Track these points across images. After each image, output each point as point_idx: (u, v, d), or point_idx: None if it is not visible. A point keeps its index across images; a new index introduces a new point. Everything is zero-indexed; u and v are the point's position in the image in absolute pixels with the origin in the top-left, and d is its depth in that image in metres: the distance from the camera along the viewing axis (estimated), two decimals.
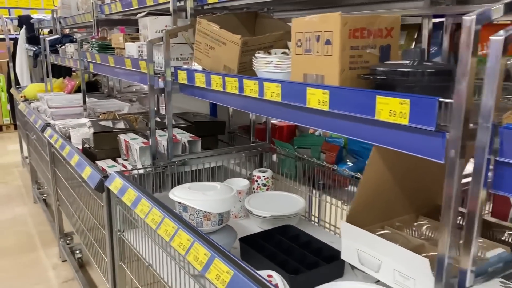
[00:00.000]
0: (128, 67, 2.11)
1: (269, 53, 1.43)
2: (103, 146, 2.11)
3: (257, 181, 2.08)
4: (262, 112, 1.33)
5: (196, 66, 1.83)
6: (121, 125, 2.32)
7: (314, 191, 1.99)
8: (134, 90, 4.61)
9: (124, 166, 2.03)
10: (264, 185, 2.07)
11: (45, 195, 4.09)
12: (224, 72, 1.59)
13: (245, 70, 1.58)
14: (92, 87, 4.63)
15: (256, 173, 2.08)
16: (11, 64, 5.12)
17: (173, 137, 2.05)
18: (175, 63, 1.92)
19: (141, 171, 1.88)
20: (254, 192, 2.05)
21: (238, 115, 2.70)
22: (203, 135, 2.32)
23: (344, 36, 1.02)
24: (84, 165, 2.00)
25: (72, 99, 3.12)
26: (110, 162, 2.08)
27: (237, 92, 1.41)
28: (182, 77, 1.76)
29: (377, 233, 1.09)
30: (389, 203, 1.13)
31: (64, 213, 2.86)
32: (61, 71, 5.40)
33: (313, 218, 1.96)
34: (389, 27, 1.09)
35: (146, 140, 2.00)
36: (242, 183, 1.97)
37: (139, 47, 2.12)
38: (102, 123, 2.28)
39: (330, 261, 1.50)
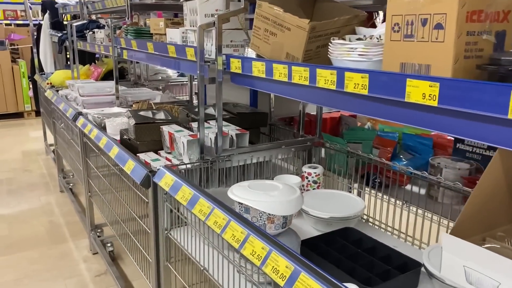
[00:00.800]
0: (171, 54, 1.98)
1: (344, 40, 1.29)
2: (144, 138, 1.99)
3: (307, 177, 1.95)
4: (340, 106, 1.19)
5: (249, 53, 1.69)
6: (161, 115, 2.20)
7: (368, 189, 1.85)
8: (160, 78, 4.49)
9: (168, 159, 1.92)
10: (315, 182, 1.94)
11: (71, 184, 4.02)
12: (286, 60, 1.46)
13: (310, 58, 1.44)
14: (119, 74, 4.52)
15: (306, 169, 1.94)
16: (35, 50, 5.03)
17: None
18: (225, 51, 1.78)
19: (189, 166, 1.75)
20: (304, 190, 1.92)
21: (279, 106, 2.56)
22: (246, 128, 2.20)
23: (461, 20, 0.87)
24: (126, 158, 1.89)
25: (103, 87, 3.01)
26: (152, 155, 1.96)
27: (307, 83, 1.27)
28: (236, 65, 1.63)
29: (483, 247, 0.95)
30: (494, 212, 0.99)
31: (95, 205, 2.77)
32: (84, 58, 5.30)
33: (370, 219, 1.82)
34: (506, 10, 0.94)
35: (192, 133, 1.88)
36: (293, 180, 1.84)
37: (183, 32, 1.99)
38: (141, 113, 2.16)
39: (403, 270, 1.37)
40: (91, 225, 2.97)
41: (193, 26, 1.88)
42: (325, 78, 1.20)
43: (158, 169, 1.66)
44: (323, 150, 2.12)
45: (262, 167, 1.97)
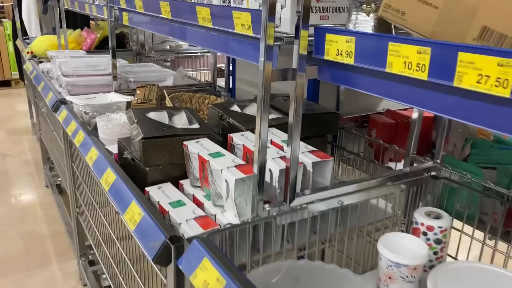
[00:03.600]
0: (204, 23, 1.17)
1: None
2: (157, 160, 1.22)
3: (425, 234, 1.19)
4: None
5: (357, 26, 0.90)
6: (181, 119, 1.41)
7: None
8: (169, 47, 3.65)
9: (196, 199, 1.15)
10: (438, 241, 1.18)
11: (59, 179, 3.26)
12: (480, 43, 0.67)
13: None
14: (117, 42, 3.68)
15: (421, 218, 1.18)
16: (16, 10, 4.16)
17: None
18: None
19: (240, 225, 0.99)
20: None
21: (348, 99, 1.78)
22: (308, 136, 1.43)
23: None
24: (127, 198, 1.12)
25: (96, 63, 2.20)
26: (171, 190, 1.19)
27: None
28: (340, 49, 0.84)
29: None
30: None
31: (85, 226, 2.02)
32: (76, 20, 4.44)
33: None
34: None
35: (241, 162, 1.10)
36: (416, 249, 1.08)
37: None
38: (151, 115, 1.37)
39: None
40: (80, 248, 2.24)
41: None
42: None
43: (189, 239, 0.89)
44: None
45: (347, 211, 1.19)
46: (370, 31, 0.88)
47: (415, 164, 1.27)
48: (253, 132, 1.30)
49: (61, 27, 3.09)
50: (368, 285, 1.02)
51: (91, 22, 4.65)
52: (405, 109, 1.85)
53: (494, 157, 1.38)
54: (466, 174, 1.27)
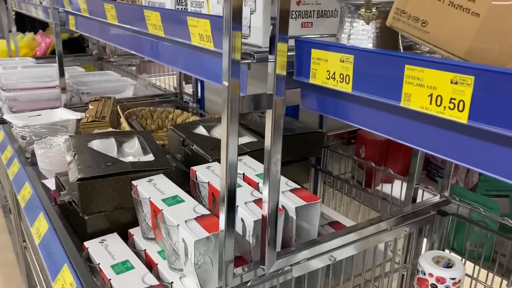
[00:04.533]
0: (155, 31, 0.92)
1: None
2: (99, 206, 0.96)
3: (434, 286, 0.97)
4: None
5: (352, 38, 0.67)
6: (133, 146, 1.16)
7: None
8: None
9: (148, 258, 0.90)
10: None
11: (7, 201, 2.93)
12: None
13: None
14: (75, 46, 3.37)
15: (428, 267, 0.96)
16: None
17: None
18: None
19: None
20: None
21: None
22: (288, 161, 1.22)
23: None
24: (61, 258, 0.87)
25: (42, 73, 1.91)
26: (116, 246, 0.93)
27: None
28: (332, 70, 0.60)
29: None
30: None
31: (32, 266, 1.74)
32: (34, 22, 4.10)
33: None
34: None
35: (206, 213, 0.85)
36: None
37: None
38: (94, 144, 1.11)
39: None
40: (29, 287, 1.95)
41: None
42: None
43: None
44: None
45: (337, 264, 0.96)
46: (370, 46, 0.65)
47: (418, 200, 1.05)
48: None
49: (10, 30, 2.78)
50: None
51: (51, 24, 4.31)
52: None
53: (504, 184, 1.18)
54: (478, 207, 1.06)
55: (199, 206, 0.87)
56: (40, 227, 1.01)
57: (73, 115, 1.65)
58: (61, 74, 1.82)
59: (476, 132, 0.47)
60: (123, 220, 1.00)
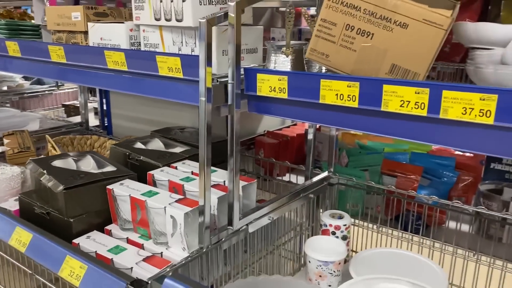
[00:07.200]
0: (116, 66, 1.18)
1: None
2: (81, 210, 1.17)
3: (334, 233, 1.40)
4: None
5: (277, 66, 1.06)
6: (89, 163, 1.37)
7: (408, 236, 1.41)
8: (6, 88, 3.30)
9: (132, 242, 1.15)
10: (344, 237, 1.41)
11: None
12: (389, 77, 0.89)
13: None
14: None
15: (328, 220, 1.39)
16: None
17: (214, 182, 1.24)
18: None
19: (189, 257, 1.04)
20: None
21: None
22: (213, 163, 1.54)
23: None
24: (60, 253, 1.06)
25: None
26: (100, 237, 1.15)
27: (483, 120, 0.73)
28: (273, 86, 0.98)
29: None
30: None
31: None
32: None
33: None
34: None
35: (181, 197, 1.14)
36: (335, 247, 1.28)
37: (132, 30, 1.22)
38: (57, 163, 1.30)
39: None
40: None
41: (158, 19, 1.14)
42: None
43: (158, 279, 0.91)
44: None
45: (266, 229, 1.33)
46: (289, 69, 1.05)
47: (315, 178, 1.48)
48: (171, 167, 1.35)
49: None
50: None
51: None
52: (280, 129, 2.10)
53: (365, 161, 1.69)
54: (351, 178, 1.54)
55: (173, 194, 1.15)
56: (21, 238, 1.17)
57: None
58: None
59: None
60: (98, 221, 1.22)
